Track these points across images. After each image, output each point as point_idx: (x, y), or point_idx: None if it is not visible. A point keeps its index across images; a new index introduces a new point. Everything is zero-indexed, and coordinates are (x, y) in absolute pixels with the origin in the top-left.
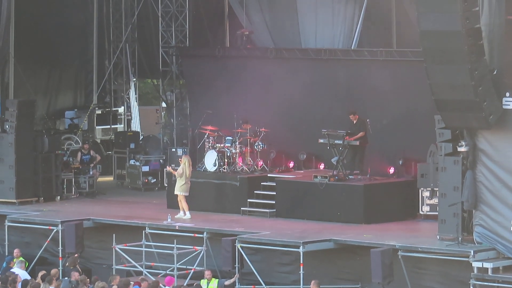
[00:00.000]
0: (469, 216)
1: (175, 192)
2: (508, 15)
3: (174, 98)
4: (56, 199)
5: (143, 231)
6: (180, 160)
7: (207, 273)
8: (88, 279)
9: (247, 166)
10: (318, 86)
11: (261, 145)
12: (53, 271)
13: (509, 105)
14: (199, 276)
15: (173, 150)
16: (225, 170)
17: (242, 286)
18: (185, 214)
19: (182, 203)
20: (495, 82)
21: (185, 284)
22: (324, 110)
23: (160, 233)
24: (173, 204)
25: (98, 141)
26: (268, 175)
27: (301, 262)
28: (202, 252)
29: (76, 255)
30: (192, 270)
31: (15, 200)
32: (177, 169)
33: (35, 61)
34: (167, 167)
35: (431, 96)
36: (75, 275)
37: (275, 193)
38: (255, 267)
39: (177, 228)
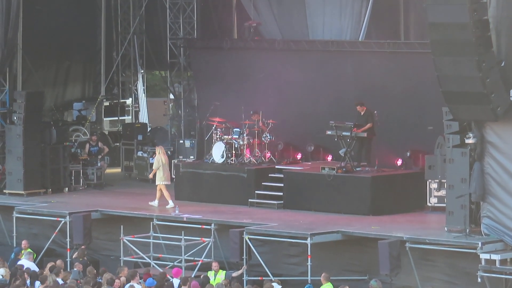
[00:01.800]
0: (476, 208)
1: (157, 183)
2: None
3: (182, 90)
4: (64, 191)
5: (151, 223)
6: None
7: (215, 265)
8: (96, 271)
9: (255, 157)
10: (325, 78)
11: (268, 137)
12: (59, 261)
13: None
14: (206, 267)
15: (181, 141)
16: (233, 162)
17: (250, 278)
18: (172, 202)
19: (164, 192)
20: (502, 74)
21: (192, 276)
22: (332, 102)
23: (168, 225)
24: (180, 195)
25: (106, 132)
26: (276, 166)
27: (309, 253)
28: (210, 243)
29: (82, 246)
30: (200, 262)
31: (23, 192)
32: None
33: (43, 53)
34: (150, 175)
35: (438, 88)
36: (78, 266)
37: (282, 184)
38: (263, 258)
39: (185, 219)
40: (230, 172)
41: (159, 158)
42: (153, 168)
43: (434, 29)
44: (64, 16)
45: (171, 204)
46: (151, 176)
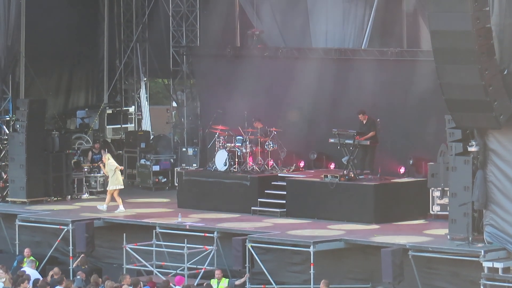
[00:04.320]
0: (479, 215)
1: (111, 188)
2: None
3: (185, 98)
4: (67, 199)
5: (154, 231)
6: (103, 161)
7: (218, 273)
8: (100, 279)
9: (258, 165)
10: (328, 86)
11: (271, 145)
12: (56, 269)
13: None
14: (209, 275)
15: (184, 149)
16: (236, 170)
17: (253, 286)
18: (107, 208)
19: (116, 197)
20: (505, 82)
21: (195, 284)
22: (335, 110)
23: (171, 233)
24: (183, 203)
25: (109, 140)
26: (279, 174)
27: (312, 261)
28: (213, 251)
29: (82, 255)
30: (203, 270)
31: (25, 200)
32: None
33: (46, 60)
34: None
35: (441, 96)
36: (82, 275)
37: (285, 192)
38: (266, 266)
39: (187, 227)
40: (233, 180)
41: (113, 164)
42: (107, 174)
43: (436, 37)
44: (67, 24)
45: (121, 208)
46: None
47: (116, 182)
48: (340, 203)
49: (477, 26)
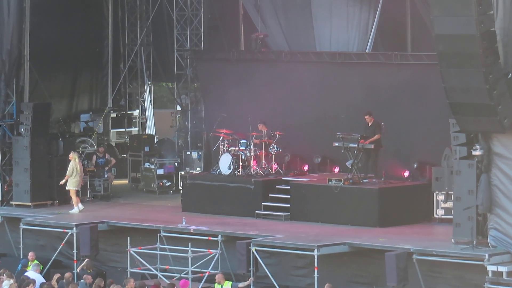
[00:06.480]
0: (483, 219)
1: (67, 188)
2: None
3: (189, 101)
4: (71, 202)
5: (158, 234)
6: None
7: (218, 277)
8: (104, 282)
9: (262, 169)
10: (332, 90)
11: (275, 149)
12: (68, 274)
13: None
14: (213, 279)
15: (188, 153)
16: (240, 174)
17: None
18: (77, 208)
19: (73, 197)
20: (509, 86)
21: (199, 287)
22: (339, 114)
23: (175, 236)
24: (187, 207)
25: (113, 144)
26: (283, 178)
27: (316, 265)
28: (217, 255)
29: (86, 259)
30: (207, 273)
31: (30, 203)
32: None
33: (50, 64)
34: (61, 182)
35: (445, 99)
36: (88, 279)
37: (289, 196)
38: (270, 270)
39: (191, 231)
40: (237, 184)
41: (75, 166)
42: (67, 174)
43: (441, 41)
44: (71, 28)
45: (75, 210)
46: (62, 182)
47: (72, 183)
48: (344, 206)
49: (482, 30)
